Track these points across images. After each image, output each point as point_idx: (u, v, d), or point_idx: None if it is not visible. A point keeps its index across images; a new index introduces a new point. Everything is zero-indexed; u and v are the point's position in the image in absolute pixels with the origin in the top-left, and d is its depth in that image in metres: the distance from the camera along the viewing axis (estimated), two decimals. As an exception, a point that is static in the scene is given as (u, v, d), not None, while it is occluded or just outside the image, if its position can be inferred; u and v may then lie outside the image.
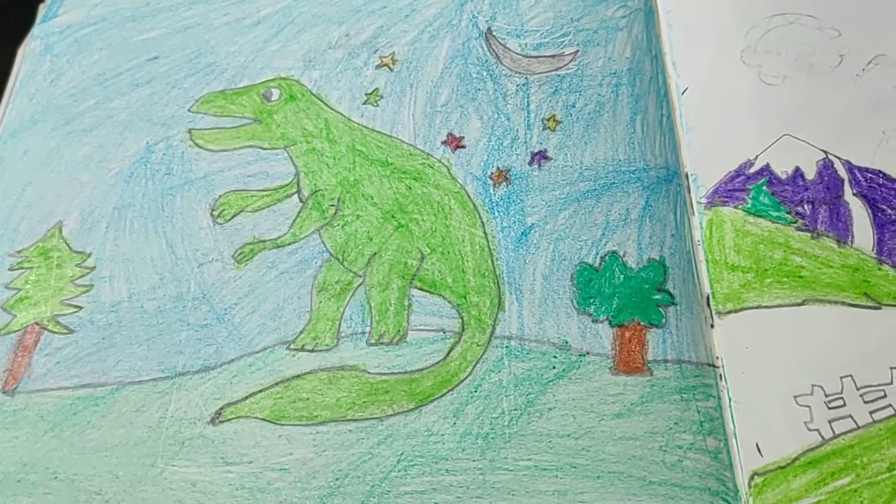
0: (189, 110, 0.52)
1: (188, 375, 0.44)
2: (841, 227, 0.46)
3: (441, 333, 0.44)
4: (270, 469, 0.41)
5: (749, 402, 0.42)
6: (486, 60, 0.51)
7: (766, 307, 0.44)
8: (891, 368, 0.42)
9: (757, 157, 0.48)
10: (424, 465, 0.40)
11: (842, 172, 0.48)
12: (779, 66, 0.51)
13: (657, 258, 0.45)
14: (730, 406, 0.42)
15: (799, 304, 0.44)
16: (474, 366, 0.42)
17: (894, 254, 0.45)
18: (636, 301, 0.44)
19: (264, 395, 0.43)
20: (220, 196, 0.49)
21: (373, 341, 0.44)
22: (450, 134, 0.49)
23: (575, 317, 0.43)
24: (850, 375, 0.42)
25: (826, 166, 0.48)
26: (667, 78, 0.51)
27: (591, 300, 0.44)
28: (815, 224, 0.46)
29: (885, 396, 0.42)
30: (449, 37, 0.52)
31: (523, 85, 0.50)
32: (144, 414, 0.44)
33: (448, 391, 0.42)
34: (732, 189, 0.48)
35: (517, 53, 0.51)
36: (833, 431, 0.41)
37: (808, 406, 0.42)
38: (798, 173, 0.48)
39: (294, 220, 0.47)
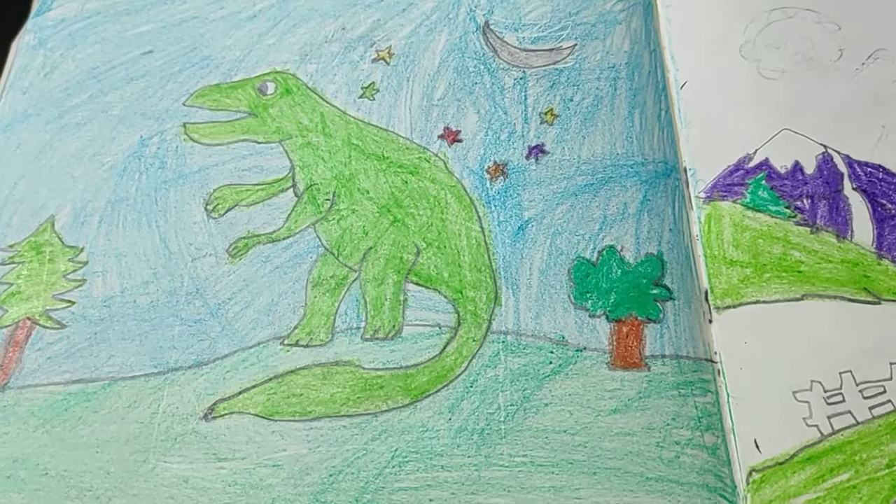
0: (184, 104, 0.52)
1: (181, 371, 0.44)
2: (840, 222, 0.46)
3: (437, 328, 0.43)
4: (263, 465, 0.41)
5: (747, 398, 0.42)
6: (484, 54, 0.51)
7: (764, 302, 0.44)
8: (890, 364, 0.42)
9: (756, 151, 0.48)
10: (419, 461, 0.40)
11: (841, 167, 0.47)
12: (778, 61, 0.51)
13: (655, 253, 0.44)
14: (728, 402, 0.42)
15: (798, 299, 0.44)
16: (470, 361, 0.42)
17: (894, 248, 0.45)
18: (634, 296, 0.43)
19: (258, 390, 0.42)
20: (214, 190, 0.48)
21: (368, 336, 0.43)
22: (447, 128, 0.48)
23: (572, 312, 0.43)
24: (850, 371, 0.42)
25: (825, 161, 0.48)
26: (665, 72, 0.50)
27: (589, 295, 0.43)
28: (815, 219, 0.46)
29: (884, 392, 0.41)
30: (446, 30, 0.52)
31: (521, 79, 0.50)
32: (136, 410, 0.43)
33: (443, 386, 0.42)
34: (731, 183, 0.47)
35: (515, 47, 0.51)
36: (832, 427, 0.41)
37: (807, 402, 0.41)
38: (797, 168, 0.48)
39: (289, 215, 0.47)
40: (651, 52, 0.51)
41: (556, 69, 0.50)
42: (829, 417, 0.41)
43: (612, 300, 0.43)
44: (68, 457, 0.43)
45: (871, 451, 0.40)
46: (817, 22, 0.52)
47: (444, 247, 0.45)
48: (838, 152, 0.48)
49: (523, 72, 0.50)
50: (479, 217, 0.46)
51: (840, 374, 0.42)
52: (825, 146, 0.48)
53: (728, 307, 0.44)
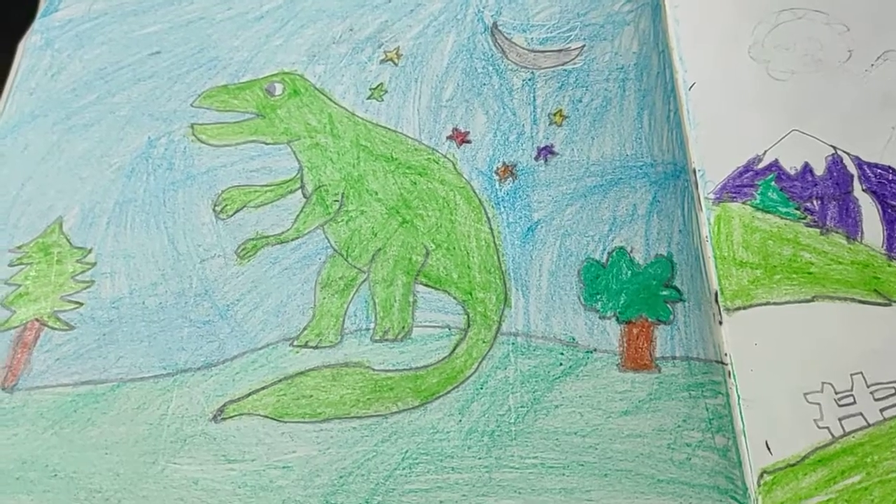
0: (191, 105, 0.52)
1: (190, 372, 0.44)
2: (850, 224, 0.46)
3: (446, 330, 0.43)
4: (273, 467, 0.40)
5: (758, 400, 0.42)
6: (492, 55, 0.50)
7: (775, 304, 0.44)
8: (902, 366, 0.42)
9: (765, 152, 0.48)
10: (429, 462, 0.40)
11: (851, 168, 0.47)
12: (787, 62, 0.51)
13: (665, 254, 0.44)
14: (738, 403, 0.42)
15: (808, 301, 0.44)
16: (480, 362, 0.42)
17: (905, 250, 0.45)
18: (644, 297, 0.43)
19: (267, 392, 0.42)
20: (222, 191, 0.48)
21: (377, 338, 0.43)
22: (455, 129, 0.48)
23: (582, 313, 0.43)
24: (861, 373, 0.42)
25: (835, 162, 0.47)
26: (674, 73, 0.50)
27: (599, 296, 0.43)
28: (825, 220, 0.46)
29: (895, 394, 0.41)
30: (454, 31, 0.52)
31: (529, 80, 0.49)
32: (146, 411, 0.43)
33: (453, 388, 0.41)
34: (741, 185, 0.47)
35: (523, 48, 0.51)
36: (843, 429, 0.41)
37: (818, 403, 0.41)
38: (807, 169, 0.47)
39: (297, 216, 0.47)
40: (660, 53, 0.51)
41: (565, 70, 0.50)
42: (840, 419, 0.41)
43: (622, 301, 0.43)
44: (77, 458, 0.43)
45: (882, 453, 0.40)
46: (826, 23, 0.52)
47: (454, 248, 0.45)
48: (848, 153, 0.48)
49: (532, 73, 0.50)
50: (488, 218, 0.46)
51: (851, 375, 0.42)
52: (835, 147, 0.48)
53: (738, 308, 0.44)
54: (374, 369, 0.42)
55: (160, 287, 0.46)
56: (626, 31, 0.50)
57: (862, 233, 0.45)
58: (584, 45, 0.50)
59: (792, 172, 0.47)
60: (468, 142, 0.48)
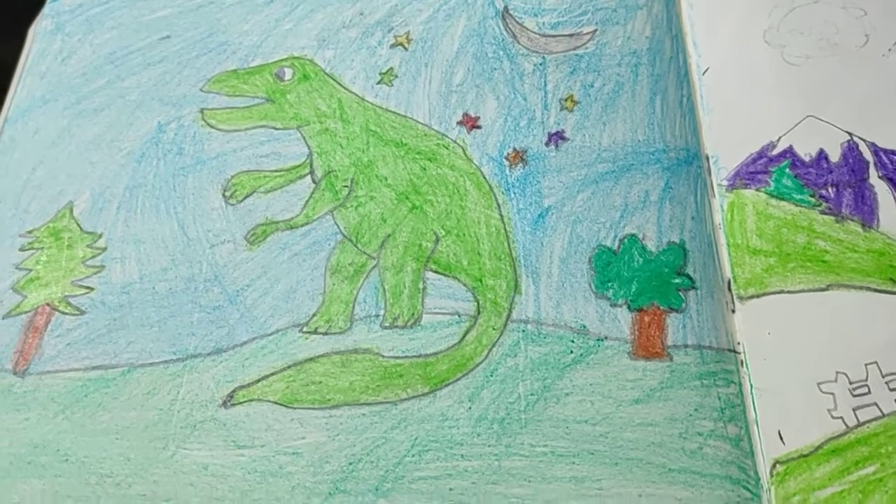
0: (201, 90, 0.51)
1: (200, 358, 0.44)
2: (866, 211, 0.45)
3: (456, 317, 0.43)
4: (283, 453, 0.40)
5: (771, 389, 0.41)
6: (503, 40, 0.50)
7: (789, 292, 0.43)
8: (917, 355, 0.41)
9: (780, 138, 0.47)
10: (439, 450, 0.40)
11: (867, 155, 0.47)
12: (803, 46, 0.50)
13: (677, 241, 0.44)
14: (751, 393, 0.41)
15: (823, 290, 0.43)
16: (490, 350, 0.42)
17: (921, 238, 0.44)
18: (656, 285, 0.43)
19: (277, 378, 0.42)
20: (232, 176, 0.48)
21: (387, 324, 0.43)
22: (465, 114, 0.48)
23: (593, 301, 0.43)
24: (876, 362, 0.41)
25: (851, 148, 0.47)
26: (687, 58, 0.50)
27: (610, 284, 0.43)
28: (840, 207, 0.45)
29: (910, 384, 0.41)
30: (465, 15, 0.51)
31: (540, 64, 0.49)
32: (156, 396, 0.43)
33: (463, 375, 0.41)
34: (754, 171, 0.47)
35: (534, 32, 0.50)
36: (857, 419, 0.40)
37: (832, 393, 0.41)
38: (822, 156, 0.47)
39: (307, 201, 0.47)
40: (673, 38, 0.50)
41: (577, 55, 0.49)
42: (854, 409, 0.40)
43: (633, 289, 0.43)
44: (88, 443, 0.43)
45: (896, 444, 0.39)
46: (843, 7, 0.51)
47: (464, 234, 0.45)
48: (864, 140, 0.47)
49: (543, 57, 0.49)
50: (498, 204, 0.45)
51: (866, 365, 0.41)
52: (850, 134, 0.47)
53: (751, 297, 0.43)
54: (383, 356, 0.42)
55: (170, 272, 0.46)
56: (638, 16, 0.49)
57: (878, 220, 0.45)
58: (595, 30, 0.50)
59: (807, 159, 0.47)
60: (478, 127, 0.48)
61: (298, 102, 0.50)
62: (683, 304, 0.42)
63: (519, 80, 0.49)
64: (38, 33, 0.56)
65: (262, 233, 0.46)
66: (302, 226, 0.46)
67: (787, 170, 0.46)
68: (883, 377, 0.41)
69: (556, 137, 0.47)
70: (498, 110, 0.48)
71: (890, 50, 0.49)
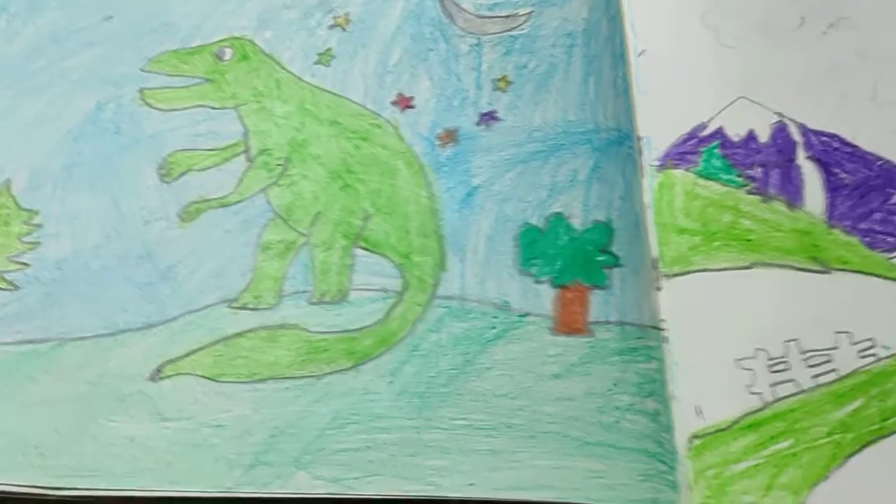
0: (141, 70, 0.52)
1: (130, 332, 0.44)
2: (792, 191, 0.45)
3: (383, 293, 0.43)
4: (208, 425, 0.41)
5: (691, 365, 0.42)
6: (440, 21, 0.50)
7: (713, 270, 0.44)
8: (836, 333, 0.42)
9: (711, 119, 0.48)
10: (359, 422, 0.40)
11: (796, 136, 0.47)
12: (738, 29, 0.50)
13: (603, 220, 0.44)
14: (672, 368, 0.42)
15: (746, 268, 0.44)
16: (414, 325, 0.42)
17: (845, 218, 0.45)
18: (580, 262, 0.43)
19: (204, 352, 0.43)
20: (168, 155, 0.48)
21: (314, 300, 0.43)
22: (399, 94, 0.48)
23: (517, 277, 0.43)
24: (796, 339, 0.42)
25: (780, 129, 0.47)
26: (625, 39, 0.50)
27: (534, 261, 0.43)
28: (766, 187, 0.46)
29: (829, 361, 0.41)
30: (404, -3, 0.51)
31: (476, 45, 0.49)
32: (86, 370, 0.44)
33: (387, 350, 0.42)
34: (684, 152, 0.47)
35: (471, 14, 0.50)
36: (775, 395, 0.41)
37: (751, 369, 0.41)
38: (751, 136, 0.47)
39: (241, 180, 0.47)
40: (610, 20, 0.51)
41: (512, 36, 0.49)
42: (772, 385, 0.41)
43: (557, 266, 0.43)
44: (18, 415, 0.43)
45: (812, 420, 0.40)
46: (781, -11, 0.51)
47: (393, 212, 0.45)
48: (794, 121, 0.47)
49: (478, 38, 0.49)
50: (428, 183, 0.46)
51: (786, 342, 0.42)
52: (781, 115, 0.47)
53: (676, 275, 0.44)
54: (309, 331, 0.43)
55: (104, 249, 0.47)
56: (575, -2, 0.50)
57: (803, 200, 0.45)
58: (532, 11, 0.50)
59: (736, 140, 0.47)
60: (412, 107, 0.48)
61: (236, 82, 0.50)
62: (607, 282, 0.43)
63: (454, 61, 0.49)
64: (-16, 14, 0.57)
65: (195, 210, 0.47)
66: (234, 203, 0.47)
67: (717, 150, 0.47)
68: (802, 354, 0.41)
69: (488, 117, 0.47)
70: (432, 90, 0.48)
71: (825, 33, 0.50)
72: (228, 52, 0.51)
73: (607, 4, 0.51)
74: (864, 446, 0.39)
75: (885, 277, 0.43)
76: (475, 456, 0.39)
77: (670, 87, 0.49)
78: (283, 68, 0.50)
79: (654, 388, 0.41)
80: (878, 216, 0.44)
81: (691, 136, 0.47)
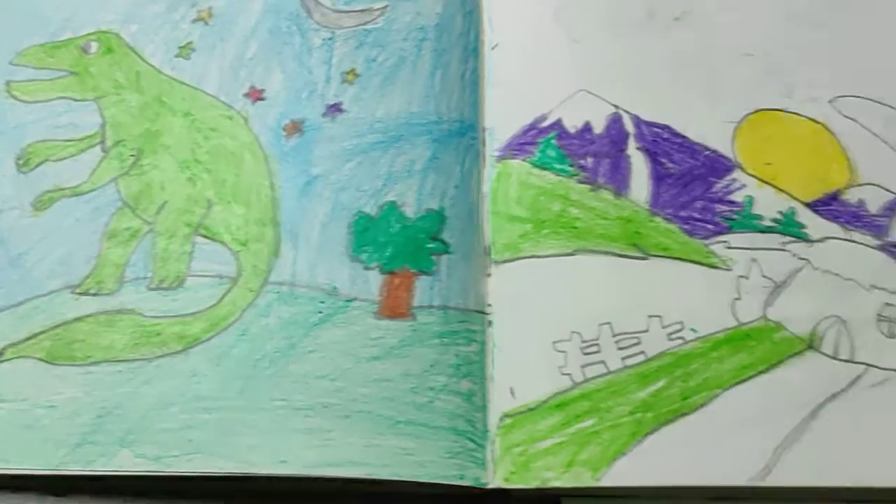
0: (10, 63, 0.53)
1: (-24, 317, 0.45)
2: (620, 180, 0.47)
3: (218, 279, 0.45)
4: (40, 406, 0.42)
5: (511, 348, 0.43)
6: (298, 15, 0.52)
7: (539, 257, 0.45)
8: (648, 317, 0.43)
9: (551, 111, 0.49)
10: (184, 403, 0.42)
11: (629, 127, 0.49)
12: (587, 23, 0.52)
13: (436, 209, 0.46)
14: (492, 351, 0.43)
15: (570, 254, 0.45)
16: (244, 310, 0.44)
17: (668, 206, 0.46)
18: (410, 249, 0.45)
19: (45, 336, 0.44)
20: (27, 146, 0.50)
21: (153, 286, 0.45)
22: (252, 86, 0.50)
23: (347, 264, 0.45)
24: (609, 323, 0.43)
25: (615, 121, 0.49)
26: (480, 34, 0.51)
27: (365, 248, 0.45)
28: (596, 177, 0.47)
29: (638, 343, 0.43)
30: (266, -9, 0.53)
31: (329, 39, 0.51)
32: (-70, 353, 0.45)
33: (216, 334, 0.43)
34: (524, 143, 0.48)
35: (328, 8, 0.52)
36: (584, 376, 0.42)
37: (565, 351, 0.43)
38: (587, 128, 0.49)
39: (94, 170, 0.48)
40: (465, 15, 0.52)
41: (365, 30, 0.51)
42: (582, 367, 0.43)
43: (387, 253, 0.45)
44: None
45: (617, 399, 0.42)
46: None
47: (235, 201, 0.47)
48: (629, 113, 0.49)
49: (332, 32, 0.51)
50: (270, 173, 0.47)
51: (599, 325, 0.43)
52: (617, 107, 0.49)
53: (505, 261, 0.45)
54: (145, 316, 0.44)
55: (-41, 237, 0.48)
56: (431, -8, 0.51)
57: (630, 189, 0.47)
58: (387, 6, 0.51)
59: (573, 131, 0.49)
60: (263, 99, 0.49)
61: (99, 75, 0.51)
62: (435, 268, 0.44)
63: (307, 55, 0.50)
64: None
65: (49, 199, 0.48)
66: (87, 192, 0.48)
67: (554, 141, 0.48)
68: (614, 336, 0.43)
69: (334, 109, 0.49)
70: (283, 83, 0.50)
71: (670, 27, 0.51)
72: (94, 46, 0.52)
73: (463, 0, 0.52)
74: (663, 424, 0.41)
75: (701, 263, 0.44)
76: (290, 435, 0.40)
77: (519, 81, 0.51)
78: (145, 61, 0.52)
79: (472, 370, 0.42)
80: (699, 204, 0.46)
81: (532, 127, 0.49)
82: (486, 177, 0.48)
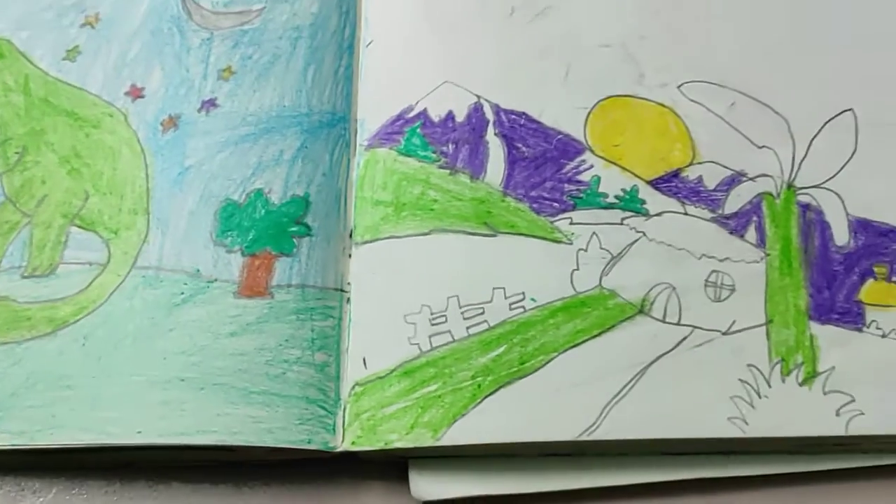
0: None
1: None
2: (477, 164, 0.49)
3: (88, 266, 0.47)
4: (-90, 392, 0.44)
5: (366, 322, 0.46)
6: (179, 17, 0.54)
7: (398, 237, 0.48)
8: (493, 289, 0.46)
9: (418, 102, 0.52)
10: (49, 382, 0.44)
11: (489, 115, 0.51)
12: (453, 17, 0.54)
13: (302, 195, 0.48)
14: (349, 326, 0.45)
15: (426, 234, 0.48)
16: (111, 294, 0.46)
17: (519, 187, 0.48)
18: (272, 233, 0.47)
19: (-79, 324, 0.46)
20: (-83, 148, 0.52)
21: (27, 274, 0.47)
22: (133, 85, 0.52)
23: (211, 248, 0.47)
24: (457, 296, 0.46)
25: (476, 109, 0.51)
26: (356, 31, 0.54)
27: (230, 233, 0.47)
28: (455, 162, 0.50)
29: (483, 313, 0.45)
30: (151, -4, 0.55)
31: (207, 39, 0.53)
32: None
33: (83, 317, 0.45)
34: (391, 132, 0.51)
35: (207, 10, 0.54)
36: (431, 345, 0.44)
37: (415, 323, 0.45)
38: (450, 116, 0.51)
39: (-20, 168, 0.51)
40: (342, 14, 0.55)
41: (242, 30, 0.53)
42: (430, 336, 0.45)
43: (250, 237, 0.47)
44: None
45: (460, 366, 0.44)
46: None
47: (110, 193, 0.49)
48: (489, 102, 0.51)
49: (211, 33, 0.53)
50: (146, 165, 0.49)
51: (448, 298, 0.45)
52: (479, 96, 0.52)
53: (366, 242, 0.48)
54: (18, 302, 0.46)
55: None
56: (307, -6, 0.54)
57: (485, 172, 0.49)
58: (264, 7, 0.54)
59: (436, 120, 0.51)
60: (142, 97, 0.52)
61: (-9, 79, 0.54)
62: (295, 250, 0.47)
63: (186, 54, 0.53)
64: None
65: (-66, 198, 0.50)
66: (-29, 191, 0.50)
67: (419, 130, 0.51)
68: (460, 308, 0.45)
69: (209, 104, 0.51)
70: (162, 81, 0.52)
71: (532, 21, 0.54)
72: (-13, 52, 0.55)
73: (340, 1, 0.55)
74: (502, 386, 0.43)
75: (546, 239, 0.47)
76: (146, 408, 0.42)
77: (391, 75, 0.53)
78: (34, 65, 0.54)
79: (326, 343, 0.44)
80: (548, 185, 0.48)
81: (399, 117, 0.52)
82: (354, 164, 0.50)
